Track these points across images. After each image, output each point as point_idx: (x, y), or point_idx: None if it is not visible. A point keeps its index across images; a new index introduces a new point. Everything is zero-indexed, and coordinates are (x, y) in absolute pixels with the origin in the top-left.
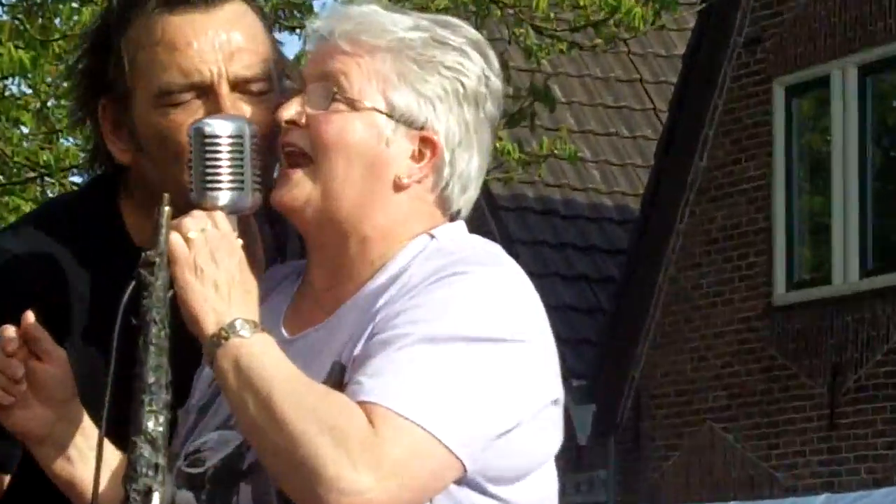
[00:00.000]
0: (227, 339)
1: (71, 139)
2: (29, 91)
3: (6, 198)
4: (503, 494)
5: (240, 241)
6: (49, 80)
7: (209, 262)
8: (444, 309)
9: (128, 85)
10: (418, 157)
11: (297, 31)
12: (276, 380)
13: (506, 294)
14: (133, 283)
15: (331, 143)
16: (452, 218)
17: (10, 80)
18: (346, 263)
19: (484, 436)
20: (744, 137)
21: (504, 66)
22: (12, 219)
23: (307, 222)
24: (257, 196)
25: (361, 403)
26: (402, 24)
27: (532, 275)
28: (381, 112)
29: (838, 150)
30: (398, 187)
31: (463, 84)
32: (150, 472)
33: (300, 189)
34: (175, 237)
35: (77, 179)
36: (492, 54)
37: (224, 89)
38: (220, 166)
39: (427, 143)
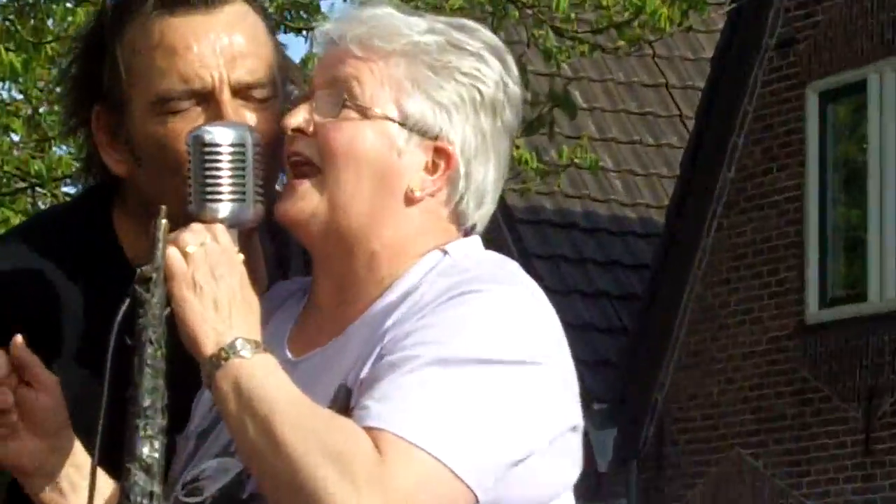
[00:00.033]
0: (226, 359)
1: (64, 148)
2: (20, 96)
3: None
4: None
5: (241, 256)
6: (41, 84)
7: (208, 279)
8: (456, 329)
9: (123, 91)
10: (432, 168)
11: (304, 32)
12: (278, 403)
13: (521, 314)
14: (128, 300)
15: (340, 153)
16: (467, 233)
17: (1, 84)
18: (354, 281)
19: (497, 464)
20: (775, 146)
21: (522, 70)
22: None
23: (313, 237)
24: (259, 208)
25: (368, 429)
26: (417, 28)
27: (550, 291)
28: (393, 120)
29: (875, 159)
30: (410, 200)
31: (480, 91)
32: (145, 501)
33: (306, 202)
34: (172, 252)
35: (70, 190)
36: (510, 60)
37: (226, 95)
38: (220, 177)
39: (441, 154)
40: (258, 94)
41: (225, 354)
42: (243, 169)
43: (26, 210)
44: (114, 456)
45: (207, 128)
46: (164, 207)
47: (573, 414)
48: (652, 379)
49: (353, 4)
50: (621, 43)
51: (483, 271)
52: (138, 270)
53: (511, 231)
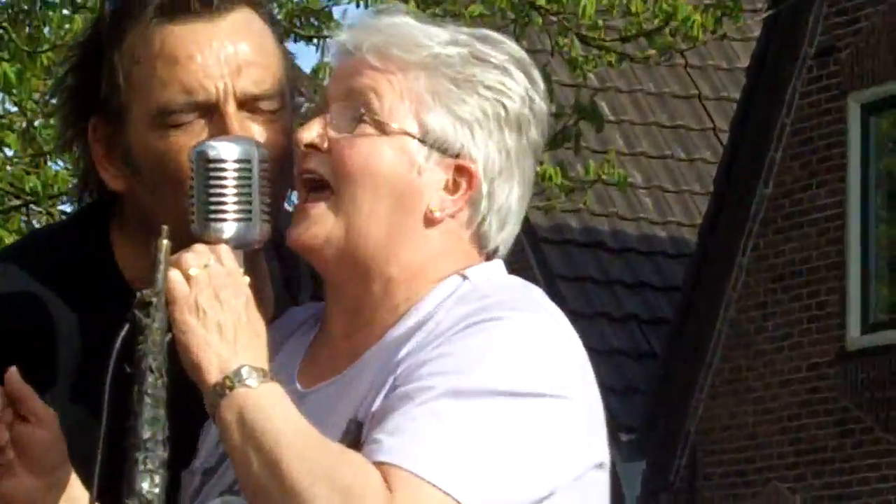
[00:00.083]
0: (231, 388)
1: (60, 163)
2: (14, 109)
3: None
4: None
5: (246, 279)
6: (36, 96)
7: (212, 303)
8: (473, 359)
9: (122, 103)
10: (453, 187)
11: (314, 41)
12: (285, 435)
13: (543, 343)
14: (126, 325)
15: (356, 171)
16: (489, 256)
17: None
18: (368, 307)
19: (513, 503)
20: (815, 160)
21: (546, 80)
22: None
23: (328, 263)
24: (266, 228)
25: (378, 464)
26: (438, 39)
27: (576, 314)
28: (413, 136)
29: None
30: (429, 222)
31: (505, 106)
32: None
33: (320, 226)
34: (174, 274)
35: (67, 208)
36: (536, 74)
37: (230, 108)
38: (225, 194)
39: (463, 173)
40: (265, 105)
41: (230, 383)
42: (249, 186)
43: (20, 229)
44: (113, 491)
45: (212, 143)
46: (165, 227)
47: (598, 450)
48: (683, 408)
49: (369, 12)
50: (651, 52)
51: (503, 297)
52: (138, 294)
53: (535, 251)
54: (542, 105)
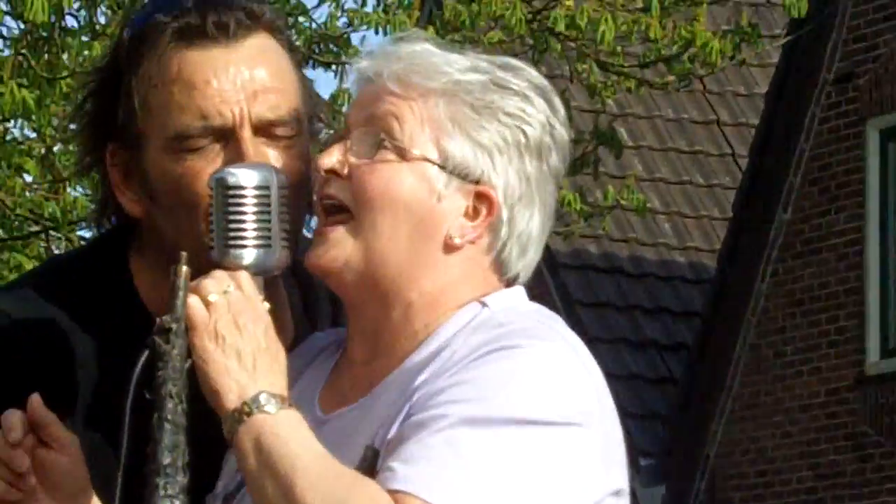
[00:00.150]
0: (249, 414)
1: (79, 189)
2: (33, 135)
3: (6, 254)
4: None
5: (266, 305)
6: (55, 122)
7: (231, 329)
8: (488, 388)
9: (139, 128)
10: (473, 214)
11: (333, 67)
12: (300, 462)
13: (558, 372)
14: (146, 352)
15: (376, 197)
16: (510, 283)
17: (13, 122)
18: (388, 334)
19: None
20: (833, 186)
21: (565, 106)
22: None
23: (347, 286)
24: (285, 254)
25: (393, 492)
26: (458, 65)
27: (595, 340)
28: (433, 162)
29: None
30: (449, 248)
31: (525, 133)
32: None
33: (339, 249)
34: (194, 301)
35: (86, 234)
36: (557, 101)
37: (246, 133)
38: (244, 221)
39: (483, 199)
40: (281, 131)
41: (248, 409)
42: (268, 213)
43: (40, 255)
44: None
45: (231, 169)
46: (184, 254)
47: (616, 478)
48: (703, 433)
49: (389, 39)
50: (670, 78)
51: (520, 326)
52: (158, 320)
53: (554, 276)
54: (562, 132)
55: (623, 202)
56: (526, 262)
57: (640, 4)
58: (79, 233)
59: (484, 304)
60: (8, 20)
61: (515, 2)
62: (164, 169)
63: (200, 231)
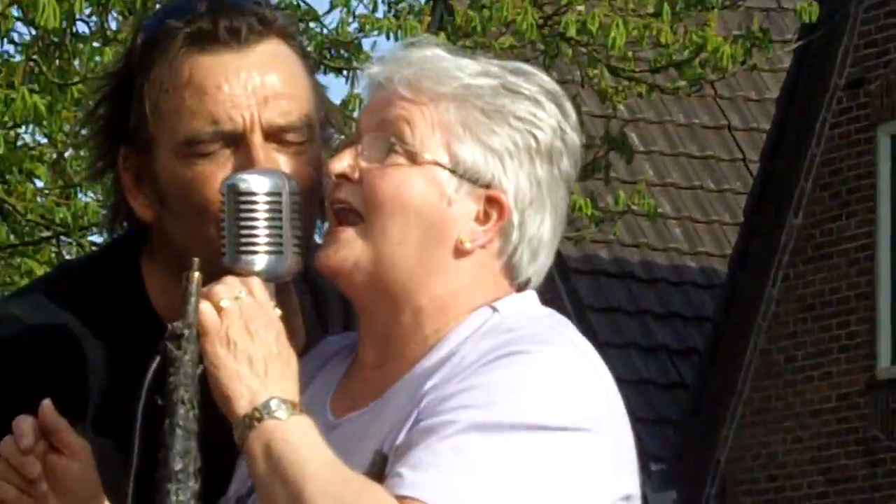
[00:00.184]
0: (260, 420)
1: (90, 195)
2: (44, 140)
3: (18, 259)
4: None
5: (278, 311)
6: (67, 128)
7: (243, 335)
8: (496, 394)
9: (150, 132)
10: (483, 218)
11: (344, 72)
12: (309, 468)
13: (567, 377)
14: (158, 357)
15: (386, 201)
16: (521, 287)
17: (24, 128)
18: (398, 338)
19: None
20: (844, 191)
21: (576, 111)
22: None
23: (356, 288)
24: (297, 260)
25: (401, 498)
26: (469, 70)
27: (606, 345)
28: (443, 167)
29: None
30: (460, 252)
31: (536, 137)
32: None
33: (349, 250)
34: (205, 307)
35: (97, 239)
36: (569, 106)
37: (256, 138)
38: (256, 227)
39: (493, 204)
40: (291, 137)
41: (258, 415)
42: (280, 219)
43: (51, 261)
44: None
45: (243, 175)
46: (196, 260)
47: (626, 483)
48: (713, 438)
49: (400, 45)
50: (681, 83)
51: (529, 331)
52: (169, 326)
53: (565, 282)
54: (573, 136)
55: (634, 207)
56: (537, 266)
57: (651, 10)
58: (90, 238)
59: (495, 309)
60: (19, 26)
61: (526, 7)
62: (174, 173)
63: (210, 235)
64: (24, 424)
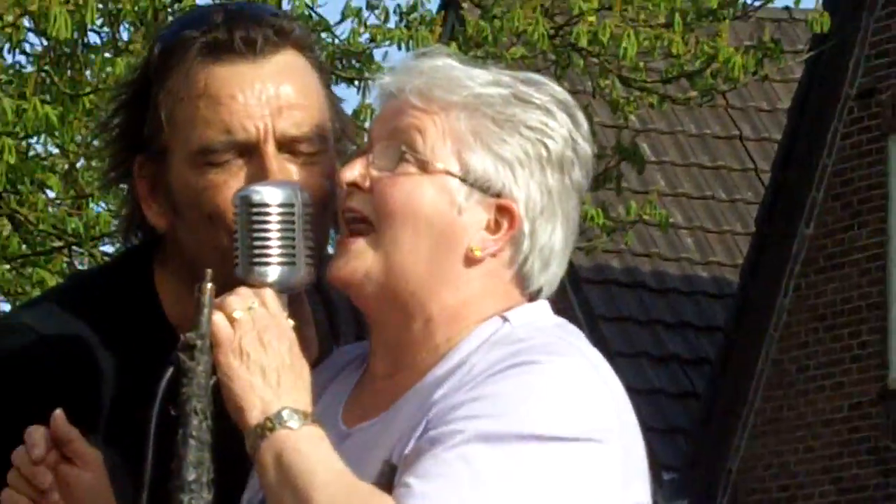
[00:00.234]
0: (272, 430)
1: (102, 205)
2: (56, 151)
3: (29, 269)
4: None
5: (290, 322)
6: (78, 138)
7: (256, 346)
8: (504, 404)
9: (164, 141)
10: (494, 227)
11: (356, 82)
12: (319, 478)
13: (576, 387)
14: (171, 368)
15: (397, 209)
16: (532, 297)
17: (36, 138)
18: (409, 347)
19: None
20: (856, 201)
21: (587, 121)
22: (36, 294)
23: (367, 298)
24: (310, 271)
25: None
26: (480, 79)
27: (617, 355)
28: (454, 175)
29: None
30: (470, 261)
31: (547, 147)
32: None
33: (360, 260)
34: (218, 317)
35: (109, 249)
36: (580, 116)
37: (270, 148)
38: (268, 238)
39: (504, 213)
40: (305, 148)
41: (271, 425)
42: (293, 230)
43: (63, 270)
44: None
45: (256, 187)
46: (209, 270)
47: (637, 492)
48: (725, 447)
49: (411, 55)
50: (693, 93)
51: (539, 341)
52: (182, 337)
53: (576, 291)
54: (585, 146)
55: (645, 217)
56: (549, 276)
57: (662, 20)
58: (101, 248)
59: (505, 319)
60: (31, 37)
61: (538, 17)
62: (187, 182)
63: (223, 245)
64: (36, 434)
